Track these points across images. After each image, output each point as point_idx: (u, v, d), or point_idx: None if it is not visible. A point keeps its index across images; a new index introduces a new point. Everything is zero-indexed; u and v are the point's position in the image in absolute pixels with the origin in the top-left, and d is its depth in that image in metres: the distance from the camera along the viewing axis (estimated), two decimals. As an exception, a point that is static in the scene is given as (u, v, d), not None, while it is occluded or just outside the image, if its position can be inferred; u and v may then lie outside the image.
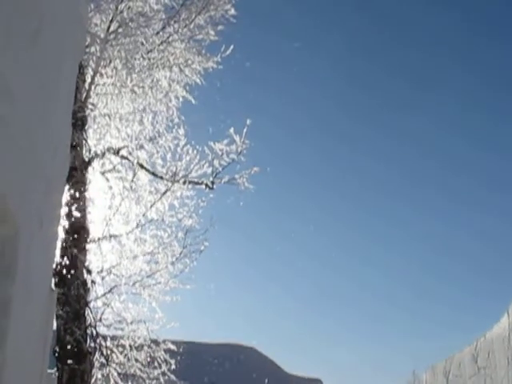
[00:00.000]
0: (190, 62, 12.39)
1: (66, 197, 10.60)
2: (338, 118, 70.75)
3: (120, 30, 11.09)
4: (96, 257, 11.84)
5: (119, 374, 12.01)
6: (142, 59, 11.54)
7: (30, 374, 3.24)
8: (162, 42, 11.86)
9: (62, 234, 10.56)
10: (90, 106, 11.34)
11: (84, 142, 11.33)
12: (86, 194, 11.34)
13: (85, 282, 10.89)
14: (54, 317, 8.75)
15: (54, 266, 10.13)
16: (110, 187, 12.09)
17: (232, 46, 12.55)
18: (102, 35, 10.94)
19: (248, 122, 12.29)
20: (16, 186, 2.73)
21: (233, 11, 12.57)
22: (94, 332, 11.25)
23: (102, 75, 11.38)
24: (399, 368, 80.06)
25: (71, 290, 10.34)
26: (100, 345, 11.43)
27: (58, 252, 10.43)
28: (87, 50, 10.60)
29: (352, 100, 72.54)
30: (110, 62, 11.28)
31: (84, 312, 10.85)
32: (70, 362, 10.26)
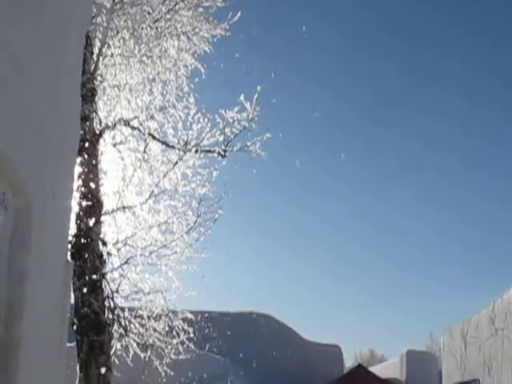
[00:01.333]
0: (197, 29, 12.28)
1: (78, 169, 10.61)
2: (350, 85, 69.89)
3: (126, -1, 10.99)
4: (111, 228, 11.88)
5: (138, 344, 12.12)
6: (149, 28, 11.45)
7: (49, 346, 3.24)
8: (168, 11, 11.74)
9: (75, 207, 10.59)
10: (98, 78, 11.28)
11: (94, 113, 11.30)
12: (98, 166, 11.34)
13: (101, 254, 10.94)
14: (71, 289, 8.81)
15: (70, 238, 10.18)
16: (122, 158, 12.09)
17: (239, 13, 12.42)
18: (109, 5, 10.84)
19: (258, 88, 12.21)
20: (27, 158, 2.71)
21: (239, -24, 12.43)
22: (112, 303, 11.33)
23: (109, 46, 11.30)
24: (417, 331, 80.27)
25: (87, 262, 10.38)
26: (118, 316, 11.52)
27: (72, 224, 10.47)
28: (94, 20, 10.52)
29: (363, 65, 71.58)
30: (118, 32, 11.19)
31: (101, 284, 10.91)
32: (88, 333, 10.34)
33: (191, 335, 12.66)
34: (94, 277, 10.64)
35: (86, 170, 10.82)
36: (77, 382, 10.34)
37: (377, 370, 38.62)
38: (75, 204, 10.56)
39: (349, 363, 48.25)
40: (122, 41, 11.23)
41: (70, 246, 10.28)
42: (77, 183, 10.52)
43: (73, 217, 10.18)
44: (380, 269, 77.03)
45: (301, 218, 71.48)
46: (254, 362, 33.27)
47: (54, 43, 3.20)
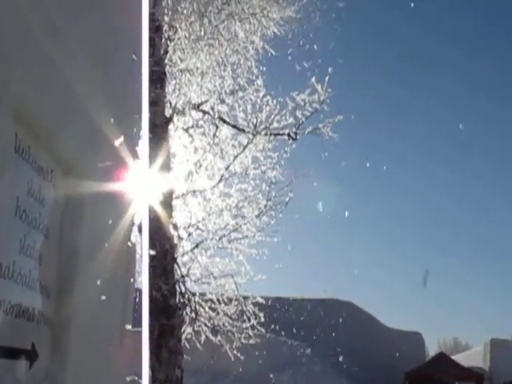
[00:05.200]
0: (266, 11, 12.14)
1: (148, 153, 10.62)
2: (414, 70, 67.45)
3: (194, -18, 10.92)
4: (182, 213, 11.91)
5: (208, 327, 12.12)
6: (217, 11, 11.37)
7: (107, 329, 3.17)
8: (237, -7, 11.64)
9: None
10: (167, 62, 11.26)
11: (164, 98, 11.29)
12: (169, 150, 11.34)
13: (172, 238, 10.94)
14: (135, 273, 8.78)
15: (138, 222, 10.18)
16: (192, 142, 12.09)
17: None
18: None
19: (330, 70, 12.02)
20: (78, 137, 2.65)
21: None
22: (183, 288, 11.36)
23: (177, 30, 11.26)
24: (502, 320, 77.98)
25: (157, 246, 10.37)
26: (189, 300, 11.54)
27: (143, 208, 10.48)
28: (162, 4, 10.47)
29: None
30: (185, 16, 11.14)
31: (172, 268, 10.94)
32: (159, 317, 10.38)
33: (262, 319, 12.59)
34: (164, 261, 10.67)
35: (156, 154, 10.83)
36: (148, 366, 10.40)
37: (460, 358, 37.94)
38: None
39: (432, 352, 47.48)
40: (189, 24, 11.17)
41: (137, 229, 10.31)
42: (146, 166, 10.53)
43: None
44: (466, 256, 74.60)
45: (381, 195, 69.18)
46: (334, 348, 33.03)
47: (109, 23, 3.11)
